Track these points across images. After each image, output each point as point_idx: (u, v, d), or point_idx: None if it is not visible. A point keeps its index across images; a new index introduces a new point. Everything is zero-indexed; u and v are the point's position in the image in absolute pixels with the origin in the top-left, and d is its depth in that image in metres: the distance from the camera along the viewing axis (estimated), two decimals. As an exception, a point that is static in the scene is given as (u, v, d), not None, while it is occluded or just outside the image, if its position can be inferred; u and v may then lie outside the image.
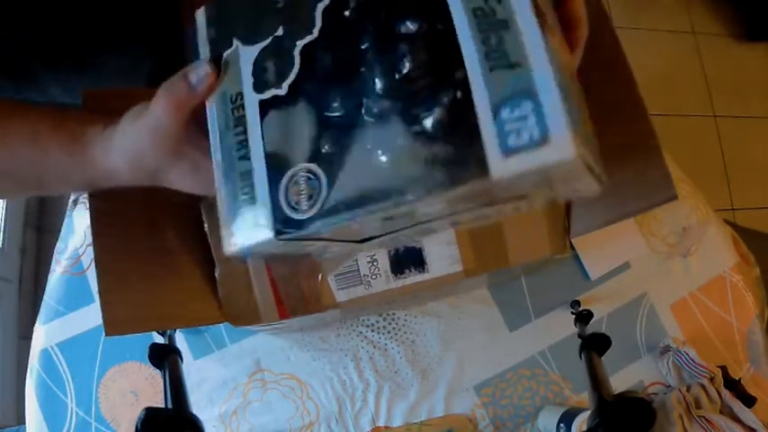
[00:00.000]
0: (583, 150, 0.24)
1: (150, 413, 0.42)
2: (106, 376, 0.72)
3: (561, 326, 0.73)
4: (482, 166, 0.25)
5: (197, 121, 0.34)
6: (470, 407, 0.72)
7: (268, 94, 0.31)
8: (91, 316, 0.73)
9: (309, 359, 0.72)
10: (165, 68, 0.35)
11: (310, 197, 0.29)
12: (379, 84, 0.28)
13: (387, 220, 0.31)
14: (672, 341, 0.74)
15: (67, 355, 0.72)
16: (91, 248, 0.72)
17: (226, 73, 0.33)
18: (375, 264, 0.58)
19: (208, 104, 0.34)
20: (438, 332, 0.73)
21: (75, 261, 0.74)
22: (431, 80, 0.27)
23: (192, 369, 0.71)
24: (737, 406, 0.68)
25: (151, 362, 0.55)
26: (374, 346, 0.73)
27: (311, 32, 0.31)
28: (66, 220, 0.76)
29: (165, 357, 0.54)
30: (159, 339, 0.65)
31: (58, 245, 0.76)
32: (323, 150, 0.29)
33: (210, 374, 0.72)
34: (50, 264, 0.76)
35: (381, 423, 0.71)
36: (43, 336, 0.73)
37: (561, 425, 0.65)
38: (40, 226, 1.45)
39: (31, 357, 0.73)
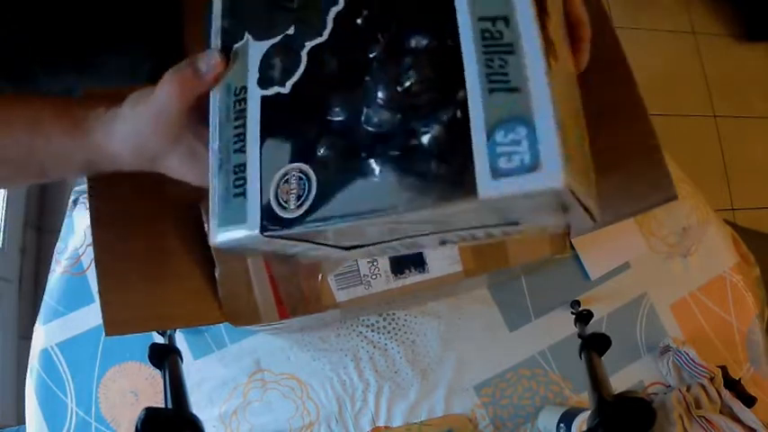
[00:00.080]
0: (573, 181, 0.23)
1: (150, 413, 0.42)
2: (106, 376, 0.72)
3: (561, 326, 0.73)
4: (470, 186, 0.25)
5: (199, 110, 0.35)
6: (470, 407, 0.72)
7: (271, 91, 0.32)
8: (91, 316, 0.73)
9: (309, 359, 0.72)
10: (165, 68, 0.35)
11: (299, 197, 0.29)
12: (381, 94, 0.28)
13: (373, 231, 0.31)
14: (672, 341, 0.74)
15: (67, 355, 0.72)
16: (91, 248, 0.72)
17: (233, 65, 0.33)
18: (375, 264, 0.58)
19: (212, 94, 0.34)
20: (438, 332, 0.73)
21: (75, 261, 0.74)
22: (433, 97, 0.27)
23: (192, 369, 0.71)
24: (737, 406, 0.68)
25: (151, 362, 0.55)
26: (374, 346, 0.73)
27: (321, 35, 0.31)
28: (66, 220, 0.76)
29: (165, 357, 0.54)
30: (159, 339, 0.65)
31: (58, 245, 0.76)
32: (318, 153, 0.29)
33: (210, 374, 0.72)
34: (50, 264, 0.76)
35: (381, 423, 0.71)
36: (43, 336, 0.73)
37: (561, 425, 0.65)
38: (40, 226, 1.45)
39: (31, 357, 0.73)
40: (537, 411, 0.72)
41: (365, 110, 0.29)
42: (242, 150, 0.31)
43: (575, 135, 0.27)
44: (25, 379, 0.73)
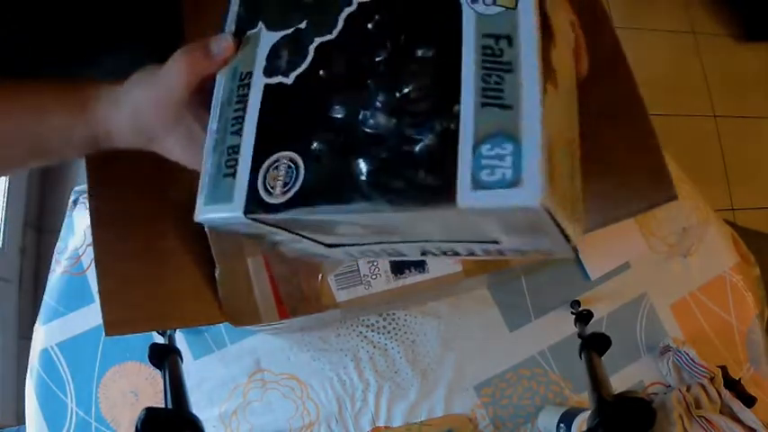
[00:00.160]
0: (551, 203, 0.24)
1: (150, 413, 0.42)
2: (106, 376, 0.72)
3: (561, 326, 0.73)
4: (451, 194, 0.25)
5: (202, 94, 0.35)
6: (470, 407, 0.72)
7: (275, 80, 0.32)
8: (91, 316, 0.73)
9: (309, 359, 0.72)
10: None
11: (285, 184, 0.30)
12: (380, 97, 0.29)
13: (355, 230, 0.32)
14: (672, 341, 0.74)
15: (67, 355, 0.72)
16: (91, 248, 0.72)
17: (243, 50, 0.34)
18: (375, 264, 0.58)
19: (218, 76, 0.35)
20: (438, 332, 0.73)
21: (75, 261, 0.74)
22: (429, 106, 0.28)
23: (191, 369, 0.71)
24: (737, 406, 0.68)
25: (151, 362, 0.55)
26: (374, 346, 0.73)
27: (331, 33, 0.32)
28: (66, 220, 0.76)
29: (165, 357, 0.54)
30: (159, 339, 0.65)
31: (58, 245, 0.76)
32: (312, 146, 0.30)
33: (210, 374, 0.72)
34: (50, 264, 0.76)
35: (381, 423, 0.72)
36: (43, 336, 0.73)
37: (561, 425, 0.65)
38: (40, 226, 1.45)
39: (31, 357, 0.73)
40: (537, 411, 0.72)
41: (364, 111, 0.29)
42: (238, 133, 0.32)
43: (563, 164, 0.27)
44: (25, 379, 0.73)
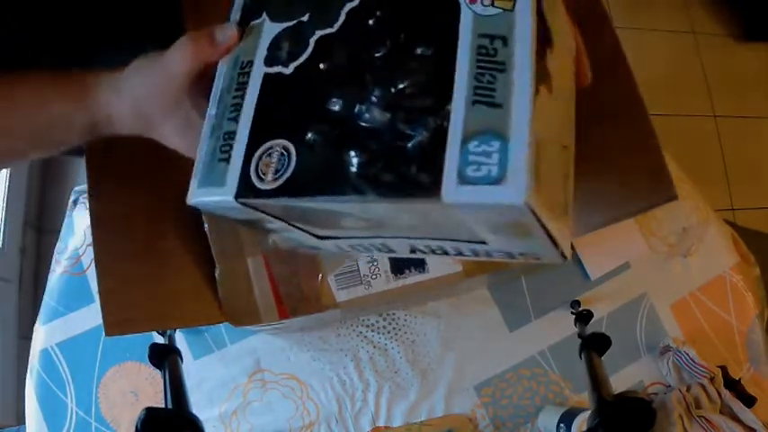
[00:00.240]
0: (535, 202, 0.24)
1: (150, 413, 0.42)
2: (106, 376, 0.72)
3: (561, 326, 0.73)
4: (436, 188, 0.25)
5: (202, 83, 0.36)
6: (470, 407, 0.72)
7: (274, 70, 0.33)
8: (91, 316, 0.73)
9: (309, 359, 0.72)
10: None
11: (277, 171, 0.30)
12: (377, 92, 0.29)
13: (347, 222, 0.32)
14: (672, 341, 0.74)
15: (67, 355, 0.72)
16: (91, 248, 0.72)
17: (245, 40, 0.35)
18: (375, 264, 0.58)
19: (220, 63, 0.35)
20: (438, 332, 0.73)
21: (75, 261, 0.74)
22: (423, 103, 0.28)
23: (191, 369, 0.71)
24: (737, 406, 0.68)
25: (151, 362, 0.55)
26: (374, 346, 0.73)
27: (332, 26, 0.32)
28: (66, 220, 0.76)
29: (165, 357, 0.54)
30: (159, 339, 0.65)
31: (58, 245, 0.76)
32: (306, 136, 0.30)
33: (210, 374, 0.72)
34: (50, 264, 0.76)
35: (381, 423, 0.72)
36: (43, 336, 0.73)
37: (561, 425, 0.65)
38: (40, 226, 1.45)
39: (31, 357, 0.73)
40: (537, 411, 0.72)
41: (360, 105, 0.29)
42: (235, 120, 0.33)
43: (554, 168, 0.27)
44: (25, 379, 0.73)
